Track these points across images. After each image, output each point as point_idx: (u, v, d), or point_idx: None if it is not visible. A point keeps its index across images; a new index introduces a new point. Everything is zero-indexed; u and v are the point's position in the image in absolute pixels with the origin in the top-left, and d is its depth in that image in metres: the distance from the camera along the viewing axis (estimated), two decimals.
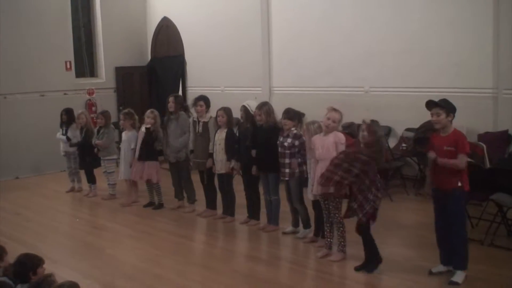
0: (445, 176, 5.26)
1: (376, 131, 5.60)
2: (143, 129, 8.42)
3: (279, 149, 6.74)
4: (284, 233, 7.08)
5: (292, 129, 6.69)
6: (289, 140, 6.66)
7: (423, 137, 8.67)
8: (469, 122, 8.20)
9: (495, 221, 6.50)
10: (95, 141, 9.06)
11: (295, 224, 7.09)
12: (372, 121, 5.74)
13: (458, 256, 5.38)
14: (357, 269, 5.76)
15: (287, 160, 6.68)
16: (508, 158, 7.59)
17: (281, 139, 6.75)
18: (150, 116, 8.41)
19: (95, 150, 9.10)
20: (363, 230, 5.65)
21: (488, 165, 7.13)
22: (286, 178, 6.75)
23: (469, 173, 5.36)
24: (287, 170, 6.70)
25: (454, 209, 5.30)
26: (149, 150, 8.36)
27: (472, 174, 5.42)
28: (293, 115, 6.72)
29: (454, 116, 5.31)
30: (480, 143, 7.61)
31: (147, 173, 8.43)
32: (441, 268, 5.56)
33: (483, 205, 7.04)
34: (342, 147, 5.92)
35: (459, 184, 5.22)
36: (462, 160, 5.15)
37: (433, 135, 5.53)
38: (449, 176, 5.23)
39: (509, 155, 7.77)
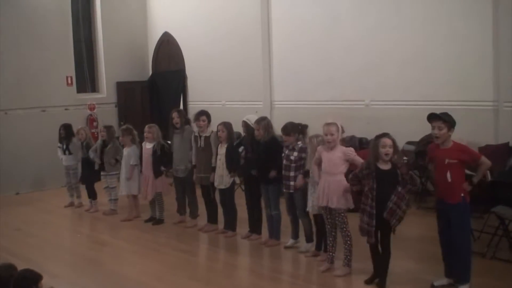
0: (448, 188, 5.28)
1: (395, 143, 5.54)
2: (147, 146, 8.42)
3: (284, 161, 6.75)
4: (286, 247, 7.06)
5: (298, 143, 6.70)
6: (295, 153, 6.67)
7: (424, 150, 8.67)
8: (470, 134, 8.18)
9: (496, 234, 6.49)
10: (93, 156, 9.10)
11: (295, 236, 7.08)
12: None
13: (462, 269, 5.36)
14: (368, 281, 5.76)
15: (291, 173, 6.67)
16: (509, 170, 7.57)
17: (286, 151, 6.77)
18: (148, 131, 8.40)
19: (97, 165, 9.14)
20: (387, 243, 5.61)
21: (489, 177, 7.11)
22: (291, 191, 6.74)
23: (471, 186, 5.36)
24: (291, 183, 6.69)
25: (459, 222, 5.30)
26: (159, 166, 8.36)
27: (474, 187, 5.41)
28: (290, 130, 6.72)
29: (453, 130, 5.33)
30: None
31: (159, 187, 8.41)
32: (444, 281, 5.54)
33: (484, 218, 7.02)
34: (358, 158, 5.92)
35: (462, 195, 5.24)
36: (486, 161, 5.24)
37: (431, 146, 5.54)
38: (452, 189, 5.26)
39: (510, 167, 7.76)
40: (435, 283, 5.56)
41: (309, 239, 6.90)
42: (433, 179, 5.79)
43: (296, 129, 6.79)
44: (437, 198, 5.53)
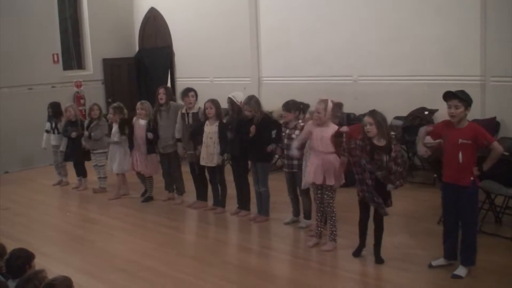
0: (459, 170, 5.09)
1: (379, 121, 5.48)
2: (141, 122, 8.30)
3: (286, 141, 6.73)
4: (285, 223, 7.08)
5: (299, 121, 6.68)
6: (297, 132, 6.63)
7: (411, 125, 8.72)
8: None
9: (483, 208, 6.55)
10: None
11: (296, 213, 7.11)
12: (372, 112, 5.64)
13: (468, 252, 5.26)
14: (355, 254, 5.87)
15: (295, 152, 6.66)
16: None
17: (287, 131, 6.75)
18: (140, 108, 8.33)
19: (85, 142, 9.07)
20: (380, 217, 5.68)
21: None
22: (295, 170, 6.71)
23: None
24: (295, 162, 6.68)
25: (466, 205, 5.16)
26: (151, 143, 8.29)
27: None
28: (291, 106, 6.71)
29: (470, 109, 5.10)
30: None
31: (151, 167, 8.43)
32: (442, 261, 5.49)
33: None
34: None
35: (472, 179, 5.07)
36: (497, 147, 5.04)
37: (439, 125, 5.40)
38: (463, 171, 5.07)
39: (497, 142, 7.80)
40: (433, 263, 5.50)
41: (308, 216, 6.93)
42: (431, 160, 5.67)
43: (297, 107, 6.76)
44: (444, 180, 5.31)
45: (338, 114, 6.14)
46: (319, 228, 6.30)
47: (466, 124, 5.12)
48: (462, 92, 5.11)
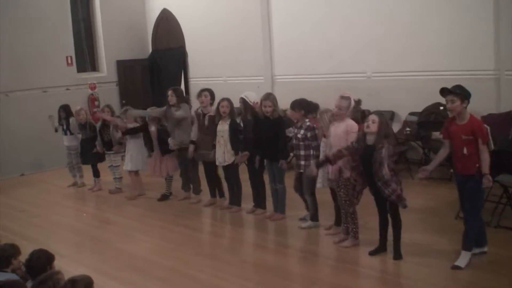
0: (464, 163, 5.26)
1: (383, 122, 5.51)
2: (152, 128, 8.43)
3: (294, 140, 6.71)
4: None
5: (306, 120, 6.64)
6: (302, 131, 6.61)
7: (424, 121, 8.69)
8: (472, 104, 7.99)
9: (500, 202, 6.50)
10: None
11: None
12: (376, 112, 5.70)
13: (467, 237, 5.34)
14: (372, 253, 5.81)
15: (301, 152, 6.61)
16: None
17: (295, 130, 6.73)
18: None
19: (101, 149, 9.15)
20: (395, 212, 5.64)
21: (492, 147, 7.09)
22: (301, 170, 6.67)
23: None
24: (302, 162, 6.63)
25: (472, 190, 5.27)
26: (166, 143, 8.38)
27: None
28: (295, 106, 6.67)
29: (469, 102, 5.29)
30: (484, 125, 7.56)
31: (170, 166, 8.52)
32: (475, 250, 5.48)
33: (488, 187, 7.03)
34: (353, 136, 5.84)
35: (477, 165, 5.18)
36: (484, 150, 5.18)
37: (448, 120, 5.51)
38: (469, 162, 5.22)
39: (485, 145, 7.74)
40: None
41: (314, 218, 6.88)
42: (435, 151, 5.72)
43: (303, 106, 6.68)
44: (455, 173, 5.51)
45: (359, 110, 6.14)
46: (345, 225, 6.23)
47: (467, 119, 5.29)
48: (458, 86, 5.29)
